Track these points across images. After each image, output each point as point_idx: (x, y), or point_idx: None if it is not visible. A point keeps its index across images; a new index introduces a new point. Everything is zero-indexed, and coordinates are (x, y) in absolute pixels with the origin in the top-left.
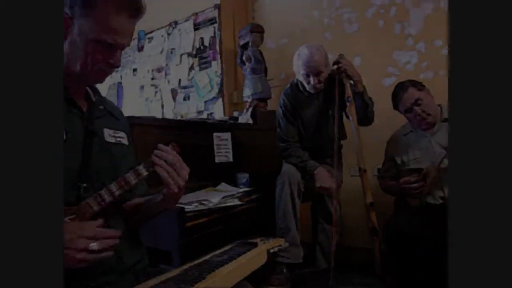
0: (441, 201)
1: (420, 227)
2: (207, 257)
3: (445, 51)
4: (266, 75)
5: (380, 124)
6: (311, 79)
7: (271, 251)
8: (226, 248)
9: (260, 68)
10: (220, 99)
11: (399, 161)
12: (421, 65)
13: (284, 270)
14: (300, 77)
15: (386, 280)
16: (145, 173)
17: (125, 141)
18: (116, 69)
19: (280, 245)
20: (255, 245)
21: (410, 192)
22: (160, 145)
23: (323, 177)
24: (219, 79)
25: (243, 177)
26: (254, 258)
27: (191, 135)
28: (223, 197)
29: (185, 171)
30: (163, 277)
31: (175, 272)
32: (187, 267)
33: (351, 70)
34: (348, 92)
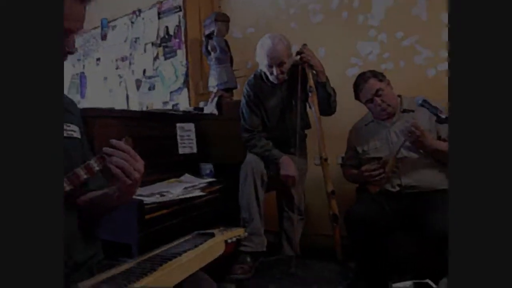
0: (398, 188)
1: (378, 212)
2: (162, 249)
3: (405, 43)
4: (232, 65)
5: (344, 113)
6: (274, 69)
7: (229, 241)
8: (183, 239)
9: (225, 58)
10: (186, 89)
11: (360, 150)
12: (382, 55)
13: (248, 259)
14: (263, 68)
15: (347, 265)
16: (96, 168)
17: (77, 135)
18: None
19: (239, 235)
20: (212, 235)
21: (371, 180)
22: (112, 140)
23: (287, 165)
24: (185, 69)
25: (207, 168)
26: (210, 248)
27: (154, 127)
28: (185, 188)
29: (139, 164)
30: (115, 271)
31: (127, 265)
32: (140, 260)
33: (313, 60)
34: (310, 82)
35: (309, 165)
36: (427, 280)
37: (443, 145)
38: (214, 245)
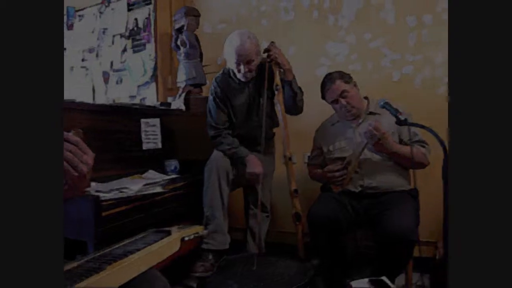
0: (360, 189)
1: (339, 211)
2: (114, 247)
3: (373, 44)
4: (201, 60)
5: (312, 112)
6: (242, 67)
7: (187, 238)
8: (138, 237)
9: (194, 53)
10: (154, 84)
11: (325, 150)
12: (351, 57)
13: (210, 257)
14: (231, 65)
15: (309, 263)
16: None
17: None
18: None
19: (197, 233)
20: (168, 233)
21: (333, 180)
22: None
23: (254, 163)
24: (153, 63)
25: (172, 164)
26: (165, 246)
27: (117, 121)
28: (145, 185)
29: (87, 157)
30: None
31: (75, 263)
32: (89, 258)
33: (280, 58)
34: (277, 80)
35: (277, 164)
36: (383, 277)
37: (403, 149)
38: (169, 243)
